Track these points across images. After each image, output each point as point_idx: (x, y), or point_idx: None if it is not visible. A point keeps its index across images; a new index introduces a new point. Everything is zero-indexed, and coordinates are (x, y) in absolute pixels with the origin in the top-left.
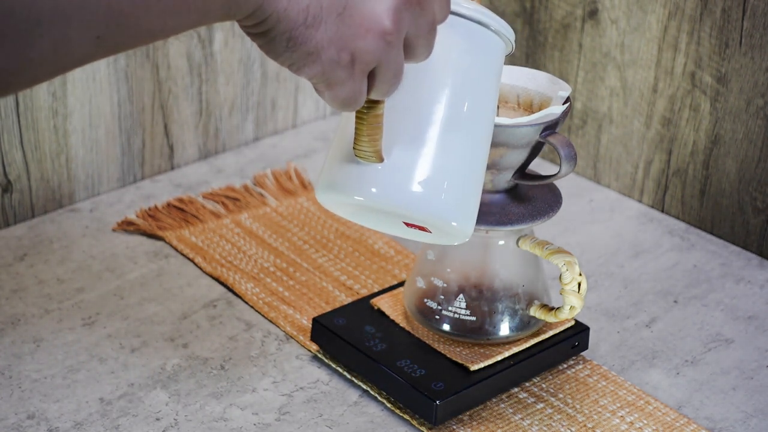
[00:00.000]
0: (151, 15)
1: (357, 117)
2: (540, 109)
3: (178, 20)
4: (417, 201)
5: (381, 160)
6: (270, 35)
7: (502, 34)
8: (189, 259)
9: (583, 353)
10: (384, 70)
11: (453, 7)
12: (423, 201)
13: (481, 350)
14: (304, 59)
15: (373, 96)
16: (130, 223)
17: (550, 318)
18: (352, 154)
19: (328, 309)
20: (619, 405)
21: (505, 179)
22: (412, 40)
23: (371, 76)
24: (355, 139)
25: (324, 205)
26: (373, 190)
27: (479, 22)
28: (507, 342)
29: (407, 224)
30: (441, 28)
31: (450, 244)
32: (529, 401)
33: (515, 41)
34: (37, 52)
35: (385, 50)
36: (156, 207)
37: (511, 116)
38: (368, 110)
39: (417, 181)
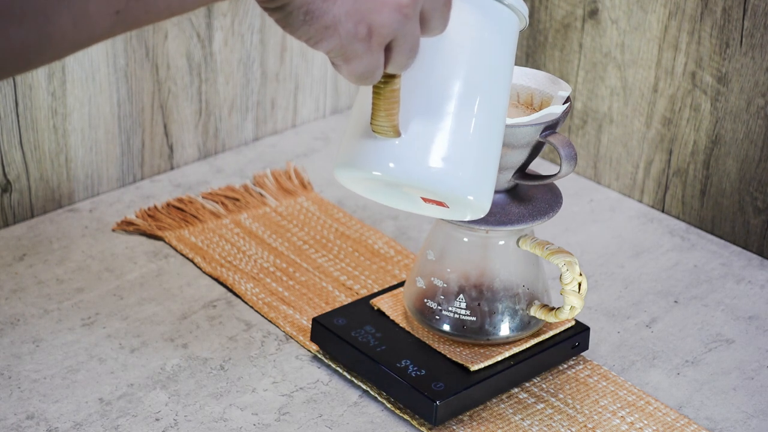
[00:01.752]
0: None
1: (374, 92)
2: (541, 107)
3: None
4: (434, 175)
5: (398, 134)
6: (287, 9)
7: (515, 9)
8: (189, 259)
9: (583, 353)
10: (401, 44)
11: None
12: (440, 175)
13: (481, 350)
14: (322, 33)
15: (390, 70)
16: (129, 223)
17: (550, 318)
18: (370, 130)
19: (328, 309)
20: (619, 405)
21: (505, 179)
22: (428, 14)
23: (388, 50)
24: (372, 114)
25: (341, 182)
26: (391, 165)
27: None
28: (507, 342)
29: (425, 199)
30: (456, 3)
31: (467, 219)
32: (529, 401)
33: (528, 16)
34: (57, 28)
35: (401, 23)
36: (156, 207)
37: (512, 114)
38: (385, 85)
39: (434, 156)
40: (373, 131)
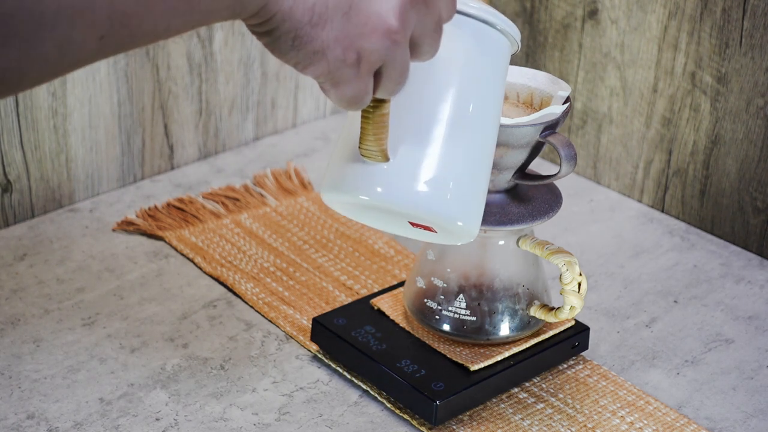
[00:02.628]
0: (155, 15)
1: (363, 116)
2: (541, 107)
3: (183, 20)
4: (423, 201)
5: (386, 159)
6: (275, 34)
7: (507, 33)
8: (189, 259)
9: (583, 353)
10: (390, 69)
11: (459, 6)
12: (429, 201)
13: (481, 350)
14: (310, 58)
15: (379, 95)
16: (130, 223)
17: (550, 318)
18: (358, 154)
19: (328, 309)
20: (619, 405)
21: (505, 179)
22: (418, 39)
23: (377, 75)
24: (360, 138)
25: (329, 205)
26: (379, 189)
27: (485, 21)
28: (507, 342)
29: (413, 224)
30: (447, 27)
31: (455, 244)
32: (529, 401)
33: (520, 40)
34: (40, 53)
35: (391, 49)
36: (156, 207)
37: (512, 113)
38: (374, 109)
39: (423, 181)
40: (362, 155)
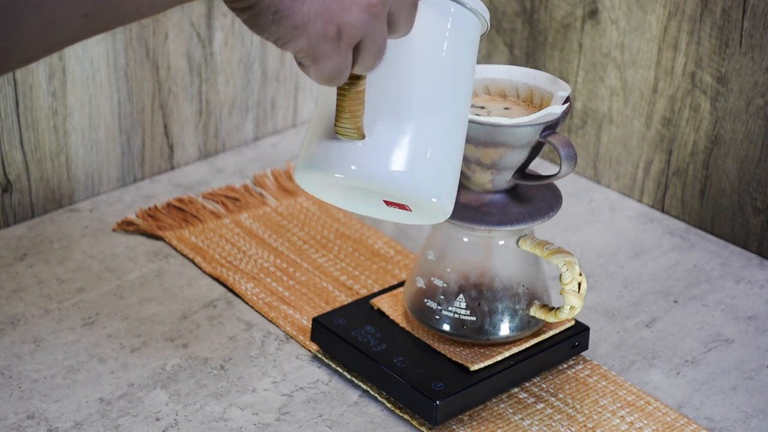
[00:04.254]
0: None
1: (339, 93)
2: (541, 105)
3: None
4: (397, 178)
5: (362, 137)
6: (256, 9)
7: (477, 13)
8: (189, 259)
9: (583, 353)
10: (369, 44)
11: None
12: (403, 178)
13: (481, 350)
14: (291, 33)
15: (357, 71)
16: (130, 223)
17: (550, 318)
18: (332, 132)
19: (328, 309)
20: (619, 405)
21: (505, 179)
22: (395, 15)
23: (356, 50)
24: (336, 115)
25: (302, 186)
26: (353, 167)
27: (456, 0)
28: (507, 342)
29: (387, 203)
30: (420, 5)
31: (430, 223)
32: (529, 401)
33: (489, 22)
34: (26, 33)
35: (370, 23)
36: (156, 207)
37: (512, 113)
38: (350, 86)
39: (397, 158)
40: (337, 133)
